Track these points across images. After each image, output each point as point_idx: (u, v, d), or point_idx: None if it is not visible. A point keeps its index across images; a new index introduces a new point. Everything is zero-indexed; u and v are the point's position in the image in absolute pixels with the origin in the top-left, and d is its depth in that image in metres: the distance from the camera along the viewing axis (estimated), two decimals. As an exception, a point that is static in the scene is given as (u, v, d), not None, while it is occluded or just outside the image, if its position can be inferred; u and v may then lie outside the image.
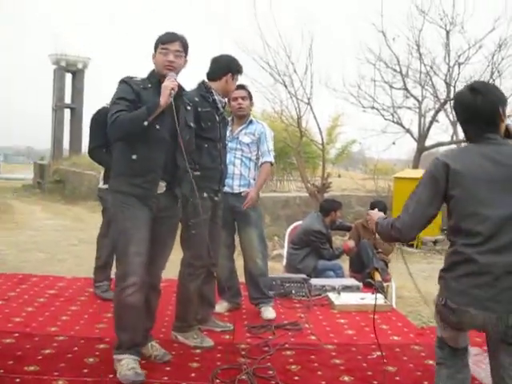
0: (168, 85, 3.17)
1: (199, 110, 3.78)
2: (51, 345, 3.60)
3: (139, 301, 3.22)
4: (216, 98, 3.94)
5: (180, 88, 3.34)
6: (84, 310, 4.51)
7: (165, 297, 3.85)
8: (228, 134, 4.54)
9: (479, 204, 2.43)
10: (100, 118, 4.83)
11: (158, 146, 3.26)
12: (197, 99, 3.81)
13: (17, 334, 3.76)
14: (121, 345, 3.23)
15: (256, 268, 4.64)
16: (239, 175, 4.60)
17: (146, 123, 3.11)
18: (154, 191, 3.28)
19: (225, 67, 3.99)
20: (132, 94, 3.22)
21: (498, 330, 2.36)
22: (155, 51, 3.36)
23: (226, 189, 4.46)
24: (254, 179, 4.68)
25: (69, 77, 22.77)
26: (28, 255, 7.75)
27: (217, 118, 3.92)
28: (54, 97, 22.51)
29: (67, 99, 22.73)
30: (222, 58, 4.07)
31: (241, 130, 4.67)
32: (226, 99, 4.17)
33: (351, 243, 6.14)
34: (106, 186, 4.82)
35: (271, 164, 4.78)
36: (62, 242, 9.14)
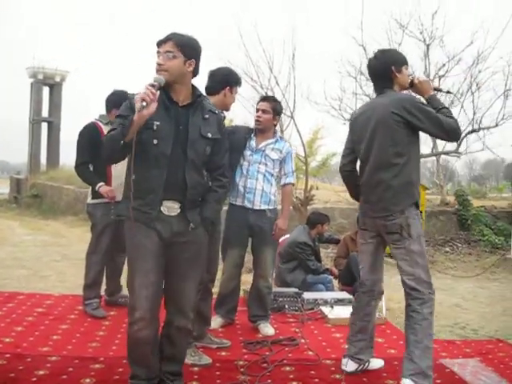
0: (137, 97, 2.77)
1: None
2: (45, 365, 3.52)
3: (148, 336, 2.94)
4: None
5: (195, 95, 3.05)
6: (75, 328, 4.42)
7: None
8: (253, 144, 4.53)
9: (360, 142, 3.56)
10: (87, 133, 4.79)
11: (156, 163, 2.90)
12: None
13: (8, 355, 3.66)
14: (134, 376, 3.05)
15: (266, 286, 4.64)
16: (261, 191, 4.51)
17: (122, 142, 2.77)
18: (156, 214, 2.92)
19: (223, 81, 3.97)
20: (129, 109, 2.89)
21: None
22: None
23: (247, 204, 4.46)
24: (275, 195, 4.63)
25: (46, 90, 22.55)
26: (10, 272, 7.57)
27: None
28: (31, 110, 22.24)
29: (44, 113, 22.50)
30: (220, 72, 4.04)
31: (268, 145, 4.59)
32: (225, 113, 4.11)
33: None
34: (94, 201, 4.77)
35: (293, 184, 4.79)
36: (44, 257, 8.96)
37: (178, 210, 2.97)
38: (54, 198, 17.68)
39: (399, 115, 3.36)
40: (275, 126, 4.73)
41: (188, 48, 2.94)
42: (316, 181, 22.31)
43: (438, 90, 3.80)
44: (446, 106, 3.55)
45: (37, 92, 22.02)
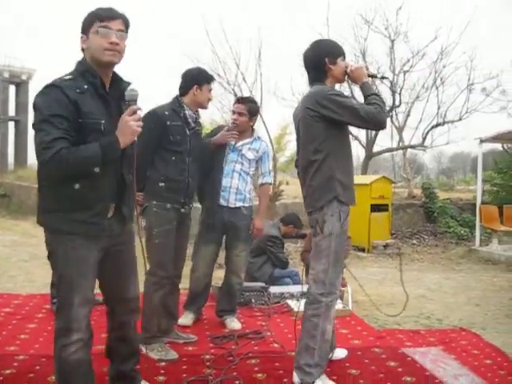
0: (132, 125, 2.51)
1: (168, 123, 3.83)
2: (12, 364, 3.53)
3: (86, 355, 2.65)
4: (187, 112, 3.96)
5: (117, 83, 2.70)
6: (42, 327, 4.42)
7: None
8: (231, 143, 4.58)
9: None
10: None
11: (107, 168, 2.55)
12: (167, 113, 3.88)
13: (-25, 355, 3.67)
14: None
15: (238, 282, 4.71)
16: (236, 189, 4.57)
17: (97, 169, 2.48)
18: (104, 224, 2.63)
19: (190, 80, 4.02)
20: (69, 105, 2.44)
21: None
22: (86, 32, 2.56)
23: (222, 202, 4.51)
24: (250, 193, 4.69)
25: (12, 88, 22.26)
26: (-23, 273, 7.51)
27: (187, 132, 3.94)
28: (-4, 109, 21.98)
29: (11, 112, 22.22)
30: (189, 72, 4.09)
31: (245, 144, 4.64)
32: (197, 113, 4.14)
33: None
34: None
35: (271, 184, 4.83)
36: (13, 258, 8.88)
37: (112, 211, 2.70)
38: (22, 197, 17.46)
39: (313, 110, 3.28)
40: (252, 126, 4.78)
41: (129, 29, 2.66)
42: (285, 176, 22.47)
43: (372, 76, 3.64)
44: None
45: (2, 91, 21.75)
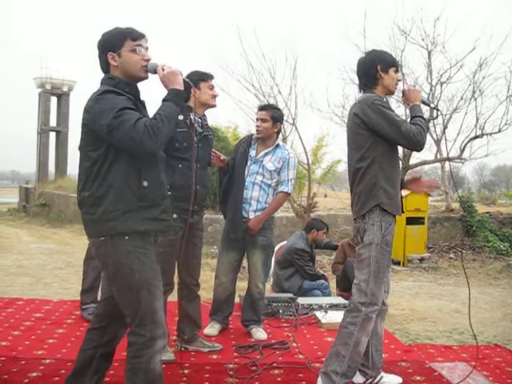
0: (173, 70, 2.69)
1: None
2: (38, 368, 3.58)
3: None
4: (192, 118, 3.91)
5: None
6: (71, 332, 4.48)
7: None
8: (253, 154, 4.58)
9: None
10: None
11: (162, 164, 2.78)
12: None
13: (3, 358, 3.74)
14: None
15: (257, 291, 4.66)
16: (256, 201, 4.57)
17: (181, 117, 2.79)
18: (171, 221, 2.80)
19: (188, 83, 4.00)
20: (128, 100, 2.62)
21: None
22: (117, 50, 2.68)
23: (243, 214, 4.51)
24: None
25: (54, 100, 22.74)
26: (14, 279, 7.66)
27: (194, 138, 3.87)
28: (39, 120, 22.41)
29: (52, 122, 22.68)
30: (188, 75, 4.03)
31: (266, 154, 4.62)
32: (204, 117, 4.12)
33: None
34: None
35: (288, 194, 4.73)
36: (48, 265, 9.05)
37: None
38: (61, 206, 17.82)
39: (358, 116, 3.33)
40: (277, 133, 4.74)
41: None
42: (325, 188, 22.33)
43: (425, 103, 3.65)
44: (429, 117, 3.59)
45: (44, 102, 22.20)
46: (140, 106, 2.73)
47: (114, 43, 2.68)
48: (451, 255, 11.51)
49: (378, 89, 3.44)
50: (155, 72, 2.71)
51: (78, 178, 2.69)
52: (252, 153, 4.62)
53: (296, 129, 11.45)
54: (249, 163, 4.60)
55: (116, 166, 2.56)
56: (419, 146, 3.32)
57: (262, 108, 4.76)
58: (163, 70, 2.68)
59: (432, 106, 3.99)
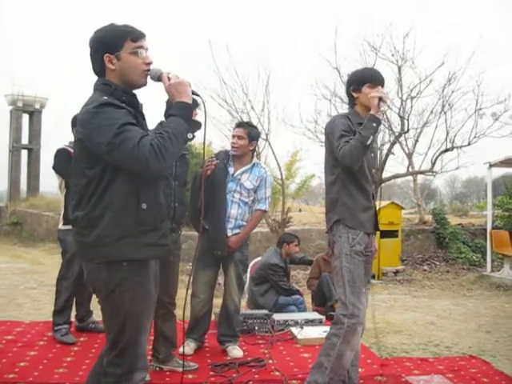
0: (181, 81, 2.42)
1: None
2: (9, 392, 3.50)
3: None
4: None
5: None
6: (43, 355, 4.39)
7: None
8: (230, 171, 4.57)
9: None
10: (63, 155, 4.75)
11: (162, 183, 2.55)
12: None
13: (-27, 383, 3.65)
14: None
15: (232, 304, 4.64)
16: (234, 219, 4.57)
17: (190, 135, 2.43)
18: (170, 245, 2.56)
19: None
20: (128, 114, 2.34)
21: None
22: (115, 52, 2.38)
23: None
24: (247, 222, 4.66)
25: (26, 117, 22.53)
26: (-16, 300, 7.53)
27: None
28: (10, 137, 22.16)
29: (24, 140, 22.44)
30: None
31: (243, 173, 4.63)
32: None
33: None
34: (66, 227, 4.75)
35: (265, 212, 4.80)
36: (20, 285, 8.91)
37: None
38: (33, 225, 17.57)
39: (325, 134, 3.49)
40: (253, 151, 4.77)
41: None
42: (299, 203, 22.36)
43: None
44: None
45: (16, 119, 21.97)
46: (140, 119, 2.46)
47: (112, 43, 2.37)
48: (425, 267, 11.63)
49: (357, 108, 3.52)
50: (159, 79, 2.44)
51: (71, 195, 2.50)
52: (230, 170, 4.62)
53: (269, 144, 11.50)
54: (226, 181, 4.59)
55: (113, 185, 2.31)
56: (347, 166, 3.29)
57: (238, 125, 4.77)
58: (169, 78, 2.42)
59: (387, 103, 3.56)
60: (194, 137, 2.58)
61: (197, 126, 2.90)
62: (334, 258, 3.40)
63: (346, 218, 3.35)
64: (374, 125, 3.24)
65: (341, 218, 3.36)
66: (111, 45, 2.37)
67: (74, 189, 2.45)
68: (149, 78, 2.44)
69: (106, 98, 2.32)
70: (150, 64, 2.42)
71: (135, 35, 2.38)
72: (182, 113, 2.37)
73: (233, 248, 4.55)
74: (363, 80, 3.46)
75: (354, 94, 3.47)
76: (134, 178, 2.33)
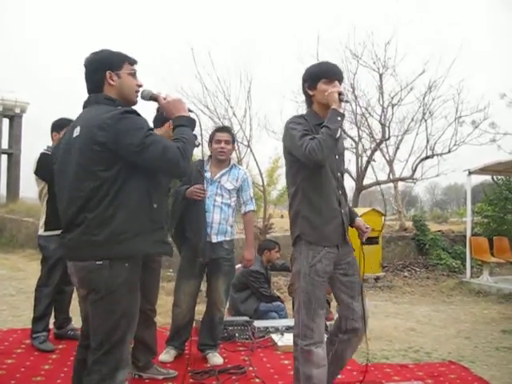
0: (175, 99, 2.78)
1: None
2: (-15, 402, 3.45)
3: None
4: None
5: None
6: (20, 363, 4.32)
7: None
8: (208, 176, 4.55)
9: None
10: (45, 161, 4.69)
11: (166, 186, 3.05)
12: None
13: None
14: None
15: (219, 315, 4.62)
16: (218, 224, 4.52)
17: (197, 142, 2.86)
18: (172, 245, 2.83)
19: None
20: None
21: None
22: (116, 71, 2.68)
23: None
24: (232, 226, 4.63)
25: (6, 121, 22.29)
26: (-38, 308, 7.42)
27: None
28: (-10, 142, 21.97)
29: (4, 144, 22.20)
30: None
31: (223, 175, 4.61)
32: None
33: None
34: (47, 233, 4.70)
35: (254, 211, 4.81)
36: (-2, 292, 8.82)
37: None
38: (13, 231, 17.35)
39: (282, 140, 3.27)
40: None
41: None
42: (281, 209, 22.39)
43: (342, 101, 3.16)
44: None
45: (-4, 124, 21.75)
46: None
47: (114, 62, 2.69)
48: (405, 273, 11.69)
49: (314, 107, 3.26)
50: (150, 99, 2.80)
51: (75, 199, 2.55)
52: (207, 175, 4.59)
53: (251, 150, 11.54)
54: (205, 185, 4.57)
55: (127, 186, 2.51)
56: (316, 163, 2.97)
57: (224, 130, 4.78)
58: (165, 98, 2.75)
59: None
60: (199, 144, 2.93)
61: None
62: (292, 275, 3.23)
63: (307, 233, 3.13)
64: (339, 118, 3.02)
65: (301, 233, 3.14)
66: (114, 63, 2.67)
67: (76, 193, 2.55)
68: (139, 98, 2.78)
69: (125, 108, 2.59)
70: (140, 86, 2.75)
71: (131, 60, 2.73)
72: (190, 124, 2.70)
73: (251, 261, 4.70)
74: (318, 75, 3.19)
75: (310, 92, 3.21)
76: (145, 179, 2.57)
